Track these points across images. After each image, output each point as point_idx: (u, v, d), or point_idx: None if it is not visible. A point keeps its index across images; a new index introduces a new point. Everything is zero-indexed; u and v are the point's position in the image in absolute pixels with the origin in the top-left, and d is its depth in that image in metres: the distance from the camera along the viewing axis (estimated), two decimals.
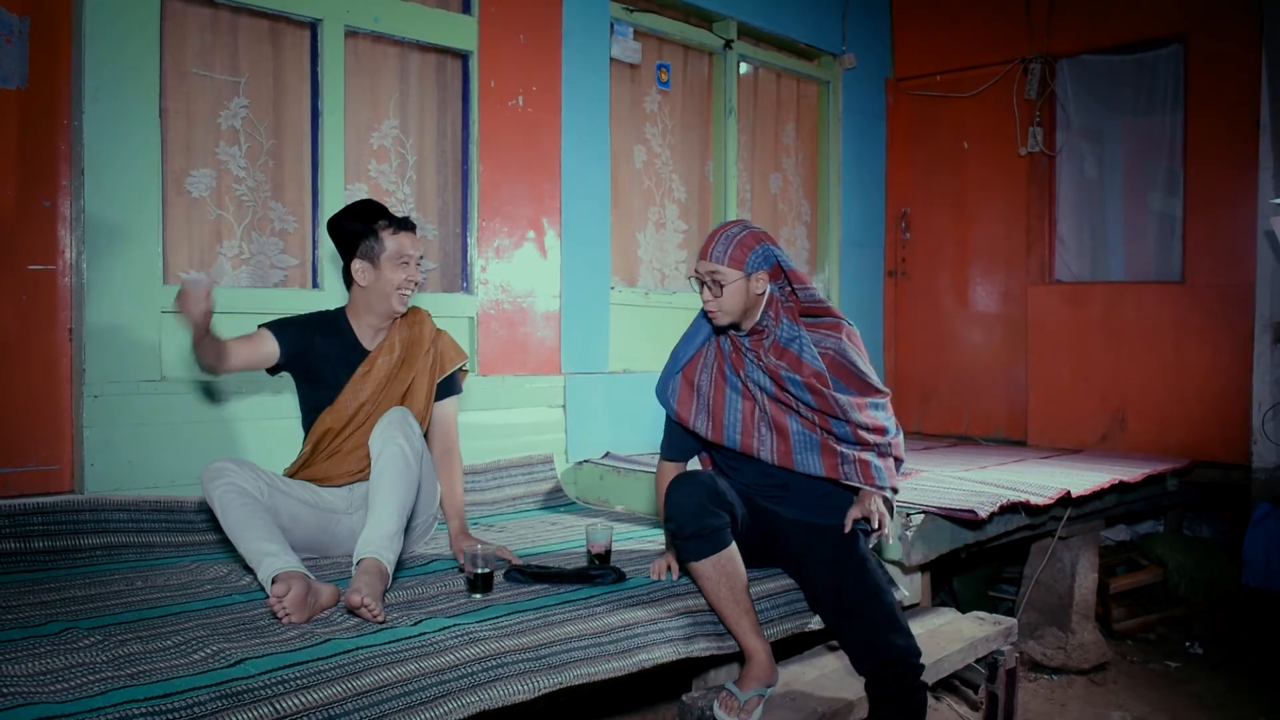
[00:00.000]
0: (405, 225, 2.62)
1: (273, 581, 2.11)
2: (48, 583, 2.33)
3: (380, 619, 2.06)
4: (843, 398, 2.37)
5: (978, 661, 2.84)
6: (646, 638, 2.18)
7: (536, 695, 1.91)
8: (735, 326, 2.41)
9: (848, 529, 2.33)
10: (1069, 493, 3.34)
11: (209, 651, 1.81)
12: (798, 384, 2.36)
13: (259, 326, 2.61)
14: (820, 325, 2.45)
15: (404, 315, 2.72)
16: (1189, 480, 4.28)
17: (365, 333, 2.68)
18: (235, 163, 3.10)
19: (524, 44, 3.73)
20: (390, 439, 2.39)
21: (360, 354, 2.66)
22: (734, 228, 2.35)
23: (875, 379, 2.48)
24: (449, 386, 2.81)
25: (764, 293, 2.35)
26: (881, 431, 2.45)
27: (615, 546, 2.68)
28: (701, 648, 2.26)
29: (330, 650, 1.84)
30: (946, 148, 5.24)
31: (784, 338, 2.39)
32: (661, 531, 2.97)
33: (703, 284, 2.34)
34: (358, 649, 1.85)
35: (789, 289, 2.42)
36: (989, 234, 5.11)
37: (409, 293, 2.63)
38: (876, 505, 2.33)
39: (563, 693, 1.98)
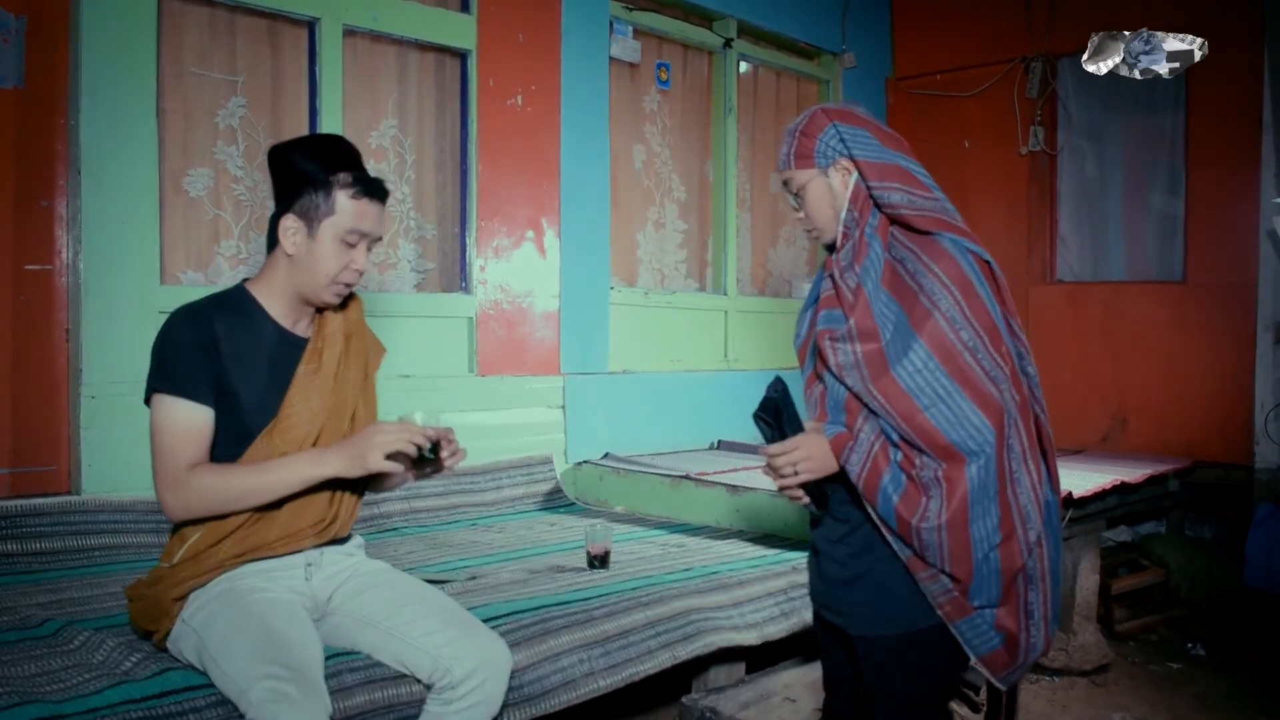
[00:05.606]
0: (375, 191, 1.82)
1: None
2: (45, 584, 2.32)
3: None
4: (857, 370, 1.58)
5: None
6: (643, 645, 2.17)
7: None
8: None
9: None
10: (1070, 494, 3.33)
11: None
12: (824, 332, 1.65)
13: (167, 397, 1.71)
14: (912, 243, 1.66)
15: None
16: (1190, 481, 4.27)
17: (285, 314, 1.84)
18: (233, 162, 3.10)
19: (523, 43, 3.72)
20: None
21: (292, 343, 1.84)
22: (803, 114, 1.72)
23: (973, 342, 1.58)
24: None
25: (851, 187, 1.67)
26: (941, 450, 1.55)
27: (615, 547, 2.67)
28: (702, 646, 2.25)
29: (327, 651, 1.82)
30: (947, 147, 5.22)
31: (870, 254, 1.67)
32: (663, 533, 2.97)
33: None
34: (354, 654, 1.84)
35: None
36: (990, 233, 5.09)
37: (346, 287, 1.83)
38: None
39: None
